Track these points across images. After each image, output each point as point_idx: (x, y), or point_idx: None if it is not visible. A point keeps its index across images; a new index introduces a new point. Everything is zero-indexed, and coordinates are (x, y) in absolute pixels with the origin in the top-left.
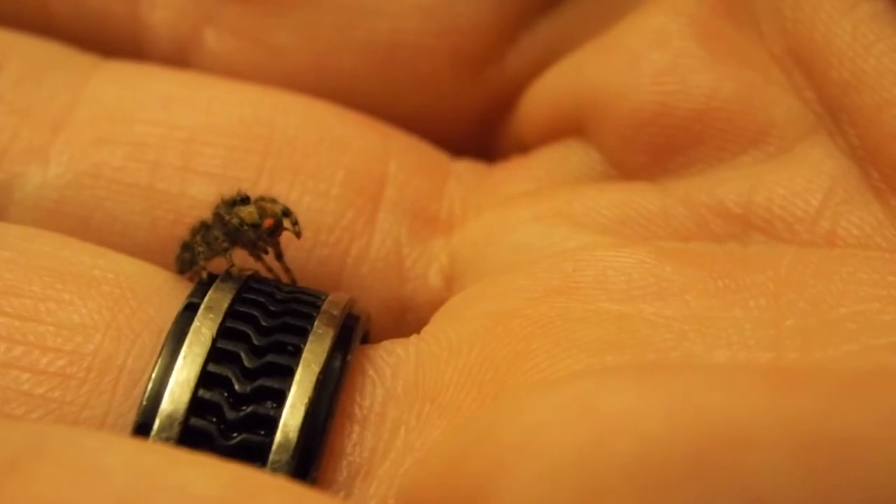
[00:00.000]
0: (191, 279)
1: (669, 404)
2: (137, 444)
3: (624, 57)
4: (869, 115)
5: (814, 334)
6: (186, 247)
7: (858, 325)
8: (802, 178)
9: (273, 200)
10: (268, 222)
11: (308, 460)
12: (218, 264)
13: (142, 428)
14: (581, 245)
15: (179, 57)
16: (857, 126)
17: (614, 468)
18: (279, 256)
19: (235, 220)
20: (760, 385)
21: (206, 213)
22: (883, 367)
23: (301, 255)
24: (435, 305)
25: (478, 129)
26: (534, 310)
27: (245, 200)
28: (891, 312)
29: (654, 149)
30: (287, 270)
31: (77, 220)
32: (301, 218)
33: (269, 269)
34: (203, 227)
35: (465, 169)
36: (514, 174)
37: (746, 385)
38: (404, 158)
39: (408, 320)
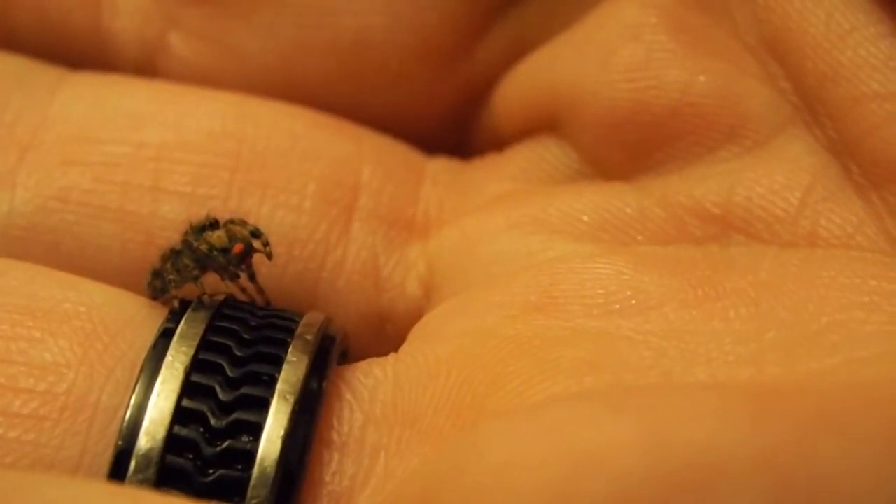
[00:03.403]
0: (164, 304)
1: (643, 438)
2: (110, 490)
3: (596, 52)
4: (846, 109)
5: (795, 347)
6: (157, 274)
7: (840, 337)
8: (781, 175)
9: (243, 222)
10: (237, 248)
11: (287, 493)
12: (191, 289)
13: (118, 469)
14: (558, 255)
15: (146, 63)
16: (835, 119)
17: None
18: (252, 278)
19: (204, 247)
20: (737, 413)
21: (177, 234)
22: (864, 383)
23: (275, 271)
24: (414, 315)
25: (451, 124)
26: (511, 329)
27: (214, 224)
28: (873, 322)
29: (629, 146)
30: (261, 292)
31: (47, 247)
32: (274, 232)
33: (243, 291)
34: (173, 254)
35: (441, 168)
36: (491, 174)
37: (723, 414)
38: (377, 163)
39: (387, 331)
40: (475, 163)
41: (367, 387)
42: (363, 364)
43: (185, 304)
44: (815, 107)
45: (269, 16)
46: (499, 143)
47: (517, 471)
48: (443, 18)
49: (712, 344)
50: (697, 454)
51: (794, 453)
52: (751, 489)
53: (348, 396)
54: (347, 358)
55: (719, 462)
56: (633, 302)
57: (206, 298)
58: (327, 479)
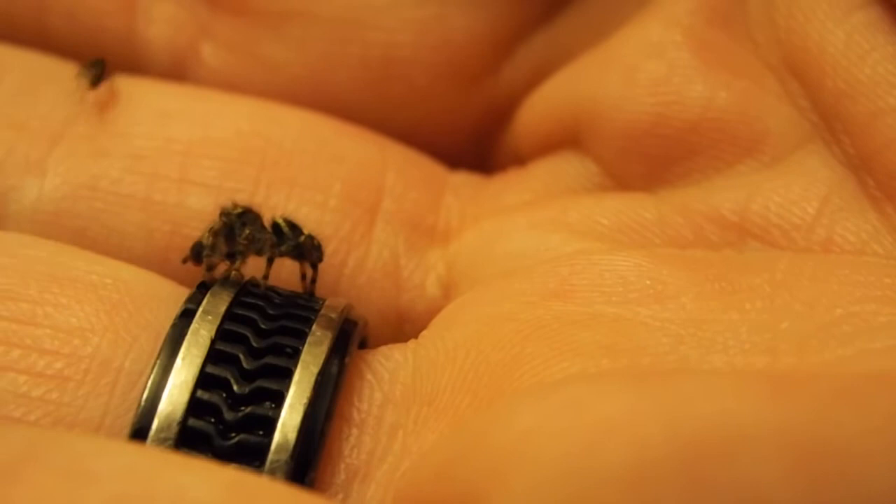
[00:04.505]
0: (208, 269)
1: (664, 410)
2: (133, 449)
3: (619, 68)
4: (863, 124)
5: (809, 338)
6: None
7: (854, 328)
8: (798, 187)
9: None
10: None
11: (306, 461)
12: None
13: (140, 429)
14: (577, 250)
15: (176, 71)
16: (852, 135)
17: (607, 476)
18: (318, 261)
19: (282, 222)
20: (756, 391)
21: (202, 225)
22: (878, 373)
23: (297, 266)
24: (433, 315)
25: (474, 141)
26: (530, 313)
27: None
28: (886, 314)
29: (650, 160)
30: (313, 282)
31: (74, 232)
32: None
33: (303, 276)
34: (253, 227)
35: (462, 181)
36: (511, 186)
37: (741, 391)
38: (401, 170)
39: (405, 330)
40: (496, 177)
41: (388, 369)
42: (384, 348)
43: (206, 284)
44: (832, 123)
45: (299, 29)
46: (520, 159)
47: (538, 439)
48: (470, 38)
49: (729, 333)
50: (718, 424)
51: (814, 428)
52: (772, 459)
53: (369, 377)
54: (367, 348)
55: (740, 432)
56: (651, 291)
57: (233, 274)
58: (345, 452)
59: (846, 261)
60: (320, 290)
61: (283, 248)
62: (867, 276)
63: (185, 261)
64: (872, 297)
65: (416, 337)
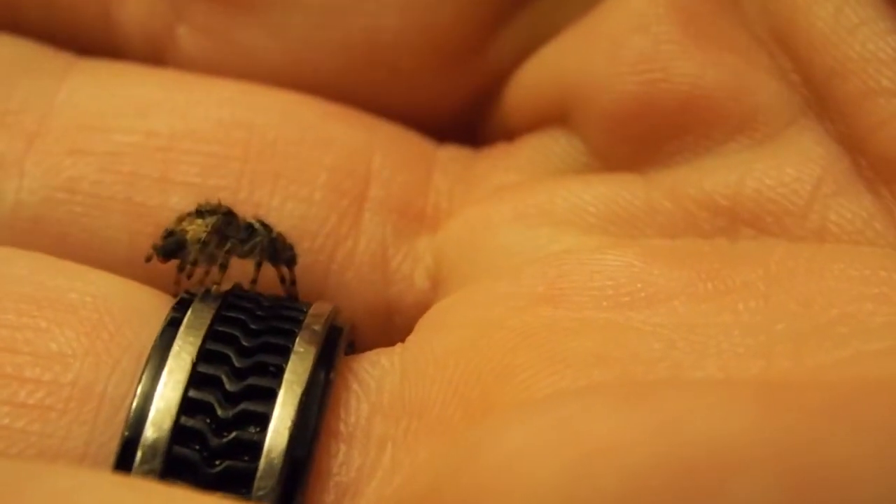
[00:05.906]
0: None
1: (653, 430)
2: (116, 481)
3: (603, 44)
4: (855, 104)
5: (805, 340)
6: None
7: (850, 329)
8: (791, 167)
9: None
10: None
11: (294, 485)
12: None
13: (124, 459)
14: (565, 248)
15: (153, 55)
16: (844, 114)
17: (597, 497)
18: (293, 262)
19: (256, 223)
20: (747, 406)
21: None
22: (873, 379)
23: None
24: (422, 306)
25: (461, 119)
26: (519, 320)
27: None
28: (883, 313)
29: (638, 139)
30: (293, 283)
31: (54, 237)
32: (284, 225)
33: (283, 280)
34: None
35: (451, 156)
36: (499, 164)
37: (732, 406)
38: (389, 151)
39: (395, 323)
40: (484, 152)
41: (375, 377)
42: (370, 354)
43: (191, 294)
44: (824, 100)
45: (278, 14)
46: (508, 134)
47: (528, 459)
48: (454, 19)
49: (722, 336)
50: (707, 444)
51: (804, 441)
52: (762, 477)
53: (355, 387)
54: (354, 349)
55: (730, 451)
56: (643, 294)
57: (214, 288)
58: (334, 470)
59: (841, 252)
60: (307, 286)
61: (262, 244)
62: (863, 269)
63: (148, 259)
64: (869, 294)
65: (405, 329)
